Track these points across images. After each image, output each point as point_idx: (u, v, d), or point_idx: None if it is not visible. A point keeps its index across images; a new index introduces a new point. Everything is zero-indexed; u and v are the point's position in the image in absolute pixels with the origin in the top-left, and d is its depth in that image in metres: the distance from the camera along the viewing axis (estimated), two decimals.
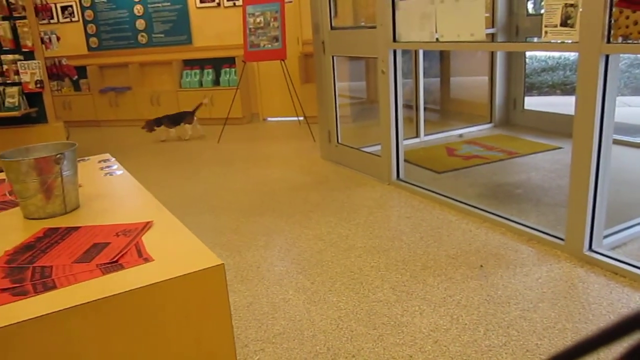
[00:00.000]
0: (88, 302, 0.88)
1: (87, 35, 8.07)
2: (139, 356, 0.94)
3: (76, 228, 1.20)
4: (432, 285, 2.54)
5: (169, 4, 7.53)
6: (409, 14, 3.70)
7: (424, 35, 3.58)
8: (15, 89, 5.13)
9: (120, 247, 1.07)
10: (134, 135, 7.02)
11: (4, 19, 5.06)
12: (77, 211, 1.33)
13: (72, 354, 0.88)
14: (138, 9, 7.69)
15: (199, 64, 7.51)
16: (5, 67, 5.10)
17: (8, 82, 5.14)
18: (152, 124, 6.48)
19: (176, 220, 1.23)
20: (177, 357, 0.98)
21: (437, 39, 3.49)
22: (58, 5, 8.01)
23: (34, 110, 5.24)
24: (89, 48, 8.11)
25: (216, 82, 7.44)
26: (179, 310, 0.96)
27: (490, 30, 5.38)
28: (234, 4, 7.27)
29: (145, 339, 0.94)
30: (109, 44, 7.99)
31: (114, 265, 1.00)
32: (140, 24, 7.76)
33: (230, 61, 7.29)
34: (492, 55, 5.73)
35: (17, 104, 5.11)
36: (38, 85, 5.14)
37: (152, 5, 7.61)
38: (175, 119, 6.52)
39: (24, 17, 5.07)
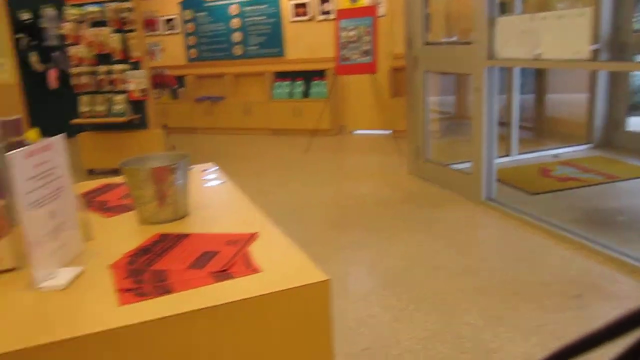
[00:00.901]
0: (202, 309, 0.93)
1: (187, 47, 8.51)
2: None
3: (186, 235, 1.27)
4: (524, 312, 2.44)
5: (264, 17, 7.79)
6: (508, 30, 3.61)
7: (522, 52, 3.48)
8: (122, 96, 5.50)
9: (229, 257, 1.12)
10: (226, 143, 7.30)
11: (116, 31, 5.45)
12: (186, 218, 1.41)
13: (184, 357, 0.93)
14: (235, 22, 8.02)
15: (290, 76, 7.70)
16: (115, 76, 5.49)
17: (116, 90, 5.52)
18: None
19: (280, 232, 1.27)
20: None
21: (536, 56, 3.37)
22: (162, 18, 8.50)
23: (137, 116, 5.58)
24: (189, 59, 8.54)
25: (306, 94, 7.58)
26: (284, 323, 0.99)
27: (593, 47, 5.13)
28: (327, 17, 7.40)
29: (250, 349, 0.98)
30: (206, 55, 8.38)
31: (225, 274, 1.05)
32: (236, 36, 8.08)
33: (320, 74, 7.42)
34: (594, 71, 5.46)
35: (123, 110, 5.48)
36: (142, 94, 5.48)
37: (249, 19, 7.91)
38: None
39: (134, 30, 5.43)
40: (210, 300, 0.94)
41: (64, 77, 8.01)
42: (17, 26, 7.45)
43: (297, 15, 7.59)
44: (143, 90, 5.47)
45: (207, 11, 8.19)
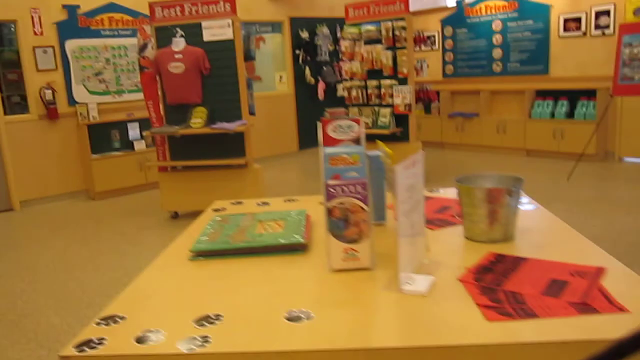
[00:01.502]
0: (573, 341, 0.91)
1: (444, 63, 8.61)
2: None
3: (524, 259, 1.27)
4: None
5: (529, 33, 7.47)
6: None
7: None
8: (387, 110, 5.80)
9: (583, 289, 1.08)
10: (476, 161, 7.18)
11: (387, 48, 5.77)
12: (514, 241, 1.40)
13: None
14: (497, 38, 7.85)
15: (553, 94, 7.24)
16: (383, 90, 5.81)
17: (383, 103, 5.84)
18: None
19: (627, 269, 1.18)
20: None
21: None
22: (423, 35, 8.75)
23: (399, 130, 5.82)
24: (444, 74, 8.63)
25: (570, 114, 7.05)
26: None
27: None
28: (603, 32, 6.77)
29: None
30: (463, 72, 8.36)
31: (587, 307, 1.01)
32: (497, 52, 7.90)
33: (589, 94, 6.82)
34: None
35: (387, 123, 5.77)
36: (406, 108, 5.70)
37: (512, 35, 7.67)
38: None
39: (404, 47, 5.68)
40: (578, 333, 0.92)
41: (330, 90, 8.79)
42: (297, 43, 8.42)
43: (567, 30, 7.11)
44: (407, 105, 5.69)
45: (468, 27, 8.17)
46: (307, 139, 8.79)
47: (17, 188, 6.23)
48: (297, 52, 8.43)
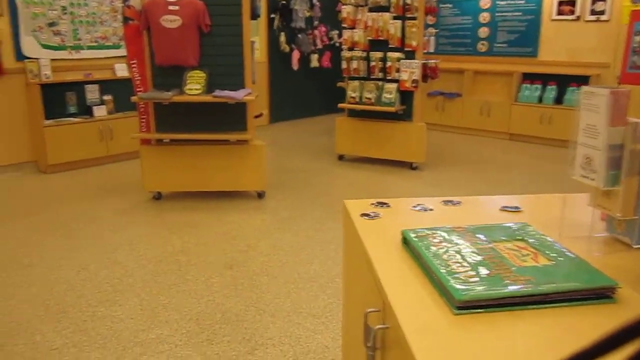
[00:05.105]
0: None
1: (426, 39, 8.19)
2: None
3: None
4: None
5: (520, 13, 7.20)
6: None
7: None
8: (393, 85, 5.30)
9: None
10: (458, 143, 6.88)
11: (396, 18, 5.25)
12: None
13: None
14: (484, 16, 7.53)
15: (542, 78, 7.03)
16: (389, 64, 5.30)
17: (388, 78, 5.33)
18: None
19: None
20: None
21: None
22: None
23: (402, 107, 5.35)
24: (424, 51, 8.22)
25: (558, 100, 6.87)
26: None
27: None
28: (598, 18, 6.60)
29: None
30: (445, 49, 8.00)
31: None
32: (483, 31, 7.59)
33: (581, 80, 6.66)
34: None
35: (393, 100, 5.27)
36: (413, 85, 5.23)
37: (501, 14, 7.37)
38: None
39: (414, 18, 5.18)
40: None
41: (304, 59, 8.15)
42: (272, 6, 7.68)
43: (561, 13, 6.89)
44: (414, 81, 5.22)
45: (453, 3, 7.79)
46: (279, 112, 8.12)
47: None
48: (272, 15, 7.69)
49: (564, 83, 6.84)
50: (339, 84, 5.89)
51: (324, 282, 3.11)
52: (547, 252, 1.09)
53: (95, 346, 2.48)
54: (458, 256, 1.09)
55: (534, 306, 0.91)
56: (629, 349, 0.39)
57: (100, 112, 5.83)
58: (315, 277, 3.17)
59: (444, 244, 1.16)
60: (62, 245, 3.63)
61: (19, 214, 4.25)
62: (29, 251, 3.54)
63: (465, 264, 1.05)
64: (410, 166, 5.53)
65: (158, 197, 4.59)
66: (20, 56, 5.42)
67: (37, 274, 3.21)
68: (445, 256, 1.10)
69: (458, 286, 0.96)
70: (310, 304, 2.86)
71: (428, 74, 5.58)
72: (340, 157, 5.91)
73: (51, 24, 5.58)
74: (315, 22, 8.19)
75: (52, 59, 5.58)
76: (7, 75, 5.37)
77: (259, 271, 3.25)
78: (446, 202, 1.56)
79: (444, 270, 1.03)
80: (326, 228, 3.93)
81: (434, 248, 1.14)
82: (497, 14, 7.40)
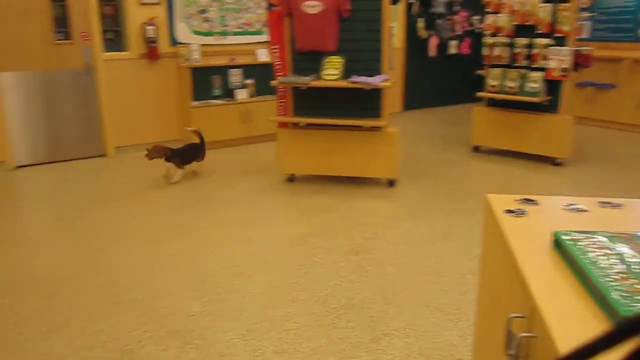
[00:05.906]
0: None
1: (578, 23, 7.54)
2: None
3: None
4: None
5: None
6: None
7: None
8: (538, 74, 4.94)
9: None
10: (611, 140, 6.25)
11: (546, 1, 4.87)
12: None
13: None
14: None
15: None
16: (535, 50, 4.94)
17: (534, 66, 4.98)
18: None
19: None
20: None
21: None
22: None
23: (548, 98, 4.97)
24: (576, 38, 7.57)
25: None
26: None
27: None
28: None
29: None
30: (599, 35, 7.29)
31: None
32: None
33: None
34: None
35: (538, 89, 4.92)
36: (562, 73, 4.83)
37: None
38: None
39: (567, 1, 4.77)
40: None
41: (442, 45, 7.90)
42: None
43: None
44: (564, 70, 4.82)
45: None
46: (413, 99, 7.98)
47: (112, 132, 5.76)
48: (411, 1, 7.53)
49: None
50: (479, 71, 5.62)
51: (454, 277, 2.99)
52: None
53: (228, 317, 2.62)
54: (621, 265, 0.97)
55: None
56: (626, 348, 0.39)
57: (241, 95, 6.12)
58: (445, 271, 3.07)
59: (604, 250, 1.04)
60: (204, 219, 3.88)
61: (160, 188, 4.61)
62: (173, 224, 3.83)
63: (630, 274, 0.93)
64: (553, 162, 5.14)
65: (292, 179, 4.73)
66: (173, 41, 5.85)
67: (180, 245, 3.47)
68: (604, 264, 0.98)
69: (622, 299, 0.85)
70: (438, 298, 2.78)
71: (580, 62, 5.12)
72: (476, 149, 5.66)
73: (202, 11, 5.94)
74: (456, 7, 7.88)
75: (201, 44, 5.95)
76: (162, 59, 5.82)
77: (385, 260, 3.21)
78: (604, 204, 1.40)
79: (605, 280, 0.92)
80: (459, 221, 3.78)
81: (591, 254, 1.02)
82: None
